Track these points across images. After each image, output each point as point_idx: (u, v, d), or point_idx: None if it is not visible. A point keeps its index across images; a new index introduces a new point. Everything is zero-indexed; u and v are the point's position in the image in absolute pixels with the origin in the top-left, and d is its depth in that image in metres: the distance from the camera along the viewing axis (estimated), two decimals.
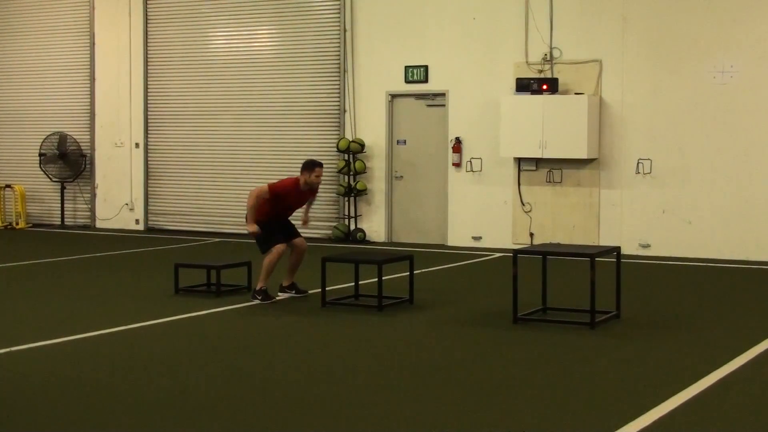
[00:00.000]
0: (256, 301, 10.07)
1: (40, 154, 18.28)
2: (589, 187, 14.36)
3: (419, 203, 15.69)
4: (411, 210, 15.77)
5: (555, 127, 14.08)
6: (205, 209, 17.28)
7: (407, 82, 15.57)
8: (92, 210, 18.41)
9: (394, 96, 15.74)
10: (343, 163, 15.73)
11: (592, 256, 8.75)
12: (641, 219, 14.10)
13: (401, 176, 15.78)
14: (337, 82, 16.08)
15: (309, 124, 16.38)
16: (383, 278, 9.70)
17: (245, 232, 10.43)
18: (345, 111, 15.99)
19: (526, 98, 14.27)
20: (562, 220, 14.55)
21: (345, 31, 15.94)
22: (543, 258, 9.36)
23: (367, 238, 15.81)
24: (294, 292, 10.41)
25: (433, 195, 15.54)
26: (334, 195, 16.04)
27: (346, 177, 15.81)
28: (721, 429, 5.88)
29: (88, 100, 18.31)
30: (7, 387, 6.77)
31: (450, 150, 15.24)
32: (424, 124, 15.60)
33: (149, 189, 17.88)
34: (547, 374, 7.16)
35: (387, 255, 11.53)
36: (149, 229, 17.78)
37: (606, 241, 14.06)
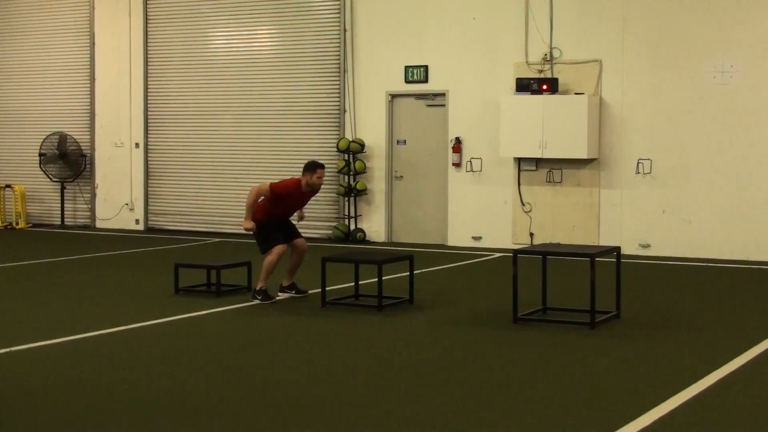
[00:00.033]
0: (256, 301, 10.07)
1: (40, 154, 18.29)
2: (589, 187, 14.36)
3: (419, 203, 15.69)
4: (411, 210, 15.77)
5: (555, 127, 14.08)
6: (205, 209, 17.28)
7: (407, 82, 15.57)
8: (92, 210, 18.41)
9: (394, 96, 15.74)
10: (343, 163, 15.73)
11: (592, 256, 8.75)
12: (641, 219, 14.10)
13: (401, 176, 15.78)
14: (337, 82, 16.08)
15: (309, 124, 16.38)
16: (383, 278, 9.70)
17: (245, 231, 10.42)
18: (345, 111, 15.99)
19: (526, 98, 14.27)
20: (562, 220, 14.55)
21: (345, 31, 15.94)
22: (543, 258, 9.36)
23: (367, 238, 15.81)
24: (294, 292, 10.41)
25: (433, 195, 15.54)
26: (334, 195, 16.04)
27: (346, 177, 15.81)
28: (721, 429, 5.88)
29: (88, 100, 18.32)
30: (7, 387, 6.77)
31: (450, 150, 15.24)
32: (424, 124, 15.60)
33: (149, 189, 17.88)
34: (547, 374, 7.16)
35: (387, 255, 11.53)
36: (149, 229, 17.78)
37: (606, 241, 14.06)
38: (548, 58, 14.53)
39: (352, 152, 15.70)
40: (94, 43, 18.18)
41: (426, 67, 15.41)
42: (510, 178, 14.87)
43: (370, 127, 15.83)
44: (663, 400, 6.32)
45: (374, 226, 15.88)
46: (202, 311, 9.64)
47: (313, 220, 15.66)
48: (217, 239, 16.36)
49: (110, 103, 18.09)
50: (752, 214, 13.50)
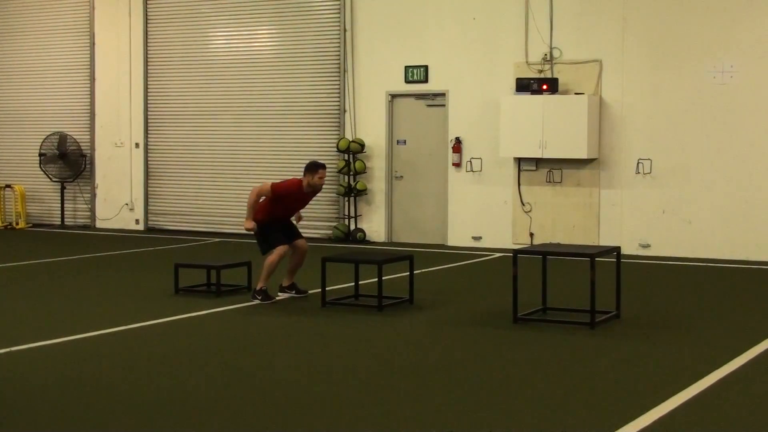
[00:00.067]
0: (256, 301, 10.07)
1: (40, 154, 18.29)
2: (589, 187, 14.36)
3: (419, 203, 15.69)
4: (411, 210, 15.77)
5: (555, 127, 14.08)
6: (205, 209, 17.28)
7: (407, 82, 15.57)
8: (92, 210, 18.41)
9: (394, 96, 15.74)
10: (343, 163, 15.73)
11: (592, 256, 8.75)
12: (641, 219, 14.10)
13: (401, 176, 15.78)
14: (337, 82, 16.08)
15: (309, 124, 16.38)
16: (383, 278, 9.70)
17: (245, 231, 10.42)
18: (345, 111, 15.99)
19: (526, 98, 14.27)
20: (562, 220, 14.55)
21: (345, 31, 15.94)
22: (543, 258, 9.36)
23: (367, 238, 15.81)
24: (294, 292, 10.41)
25: (433, 195, 15.54)
26: (334, 195, 16.04)
27: (346, 177, 15.81)
28: (721, 429, 5.88)
29: (88, 100, 18.32)
30: (7, 387, 6.77)
31: (450, 150, 15.24)
32: (424, 124, 15.60)
33: (149, 189, 17.88)
34: (547, 374, 7.16)
35: (387, 255, 11.53)
36: (149, 229, 17.78)
37: (606, 241, 14.06)
38: (548, 58, 14.53)
39: (352, 152, 15.70)
40: (94, 43, 18.19)
41: (426, 67, 15.42)
42: (510, 178, 14.87)
43: (370, 127, 15.84)
44: (663, 400, 6.32)
45: (374, 226, 15.88)
46: (202, 311, 9.64)
47: (313, 220, 15.67)
48: (217, 239, 16.36)
49: (110, 103, 18.09)
50: (752, 214, 13.50)
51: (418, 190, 15.67)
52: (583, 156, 14.05)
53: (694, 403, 6.33)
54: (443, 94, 15.37)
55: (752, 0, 13.46)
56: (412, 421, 5.99)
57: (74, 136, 18.20)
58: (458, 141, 15.15)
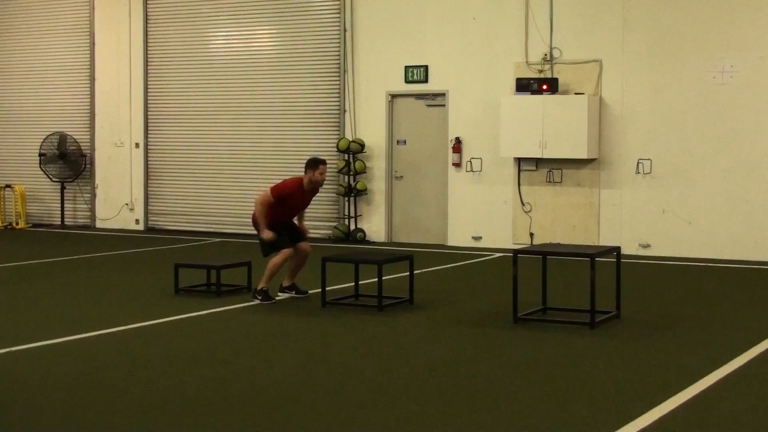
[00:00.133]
0: (256, 301, 10.07)
1: (40, 154, 18.29)
2: (589, 187, 14.36)
3: (419, 203, 15.69)
4: (411, 210, 15.77)
5: (555, 127, 14.08)
6: (205, 209, 17.28)
7: (407, 82, 15.57)
8: (92, 210, 18.41)
9: (394, 96, 15.74)
10: (343, 163, 15.73)
11: (592, 256, 8.75)
12: (641, 219, 14.10)
13: (401, 176, 15.78)
14: (337, 82, 16.08)
15: (309, 124, 16.39)
16: (383, 278, 9.70)
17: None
18: (345, 111, 15.99)
19: (526, 98, 14.28)
20: (562, 220, 14.55)
21: (345, 31, 15.94)
22: (543, 258, 9.36)
23: (367, 238, 15.81)
24: (294, 292, 10.41)
25: (433, 195, 15.54)
26: (334, 195, 16.04)
27: (346, 177, 15.81)
28: (721, 429, 5.88)
29: (88, 100, 18.32)
30: (7, 387, 6.77)
31: (450, 150, 15.24)
32: (424, 124, 15.60)
33: (149, 189, 17.89)
34: (547, 374, 7.16)
35: (387, 255, 11.53)
36: (149, 229, 17.79)
37: (606, 241, 14.06)
38: (548, 58, 14.53)
39: (352, 152, 15.71)
40: (94, 43, 18.19)
41: (426, 67, 15.42)
42: (510, 178, 14.87)
43: (370, 127, 15.84)
44: (663, 400, 6.32)
45: (374, 226, 15.88)
46: (202, 311, 9.64)
47: (313, 220, 15.66)
48: (217, 239, 16.36)
49: (110, 103, 18.09)
50: (752, 214, 13.50)
51: (418, 190, 15.68)
52: (583, 156, 14.05)
53: (694, 403, 6.33)
54: (443, 94, 15.37)
55: (752, 0, 13.46)
56: (412, 421, 5.99)
57: (74, 136, 18.20)
58: (458, 141, 15.15)
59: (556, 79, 14.31)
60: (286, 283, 10.43)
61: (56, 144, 18.08)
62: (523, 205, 14.79)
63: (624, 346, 8.12)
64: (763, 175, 13.44)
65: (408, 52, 15.51)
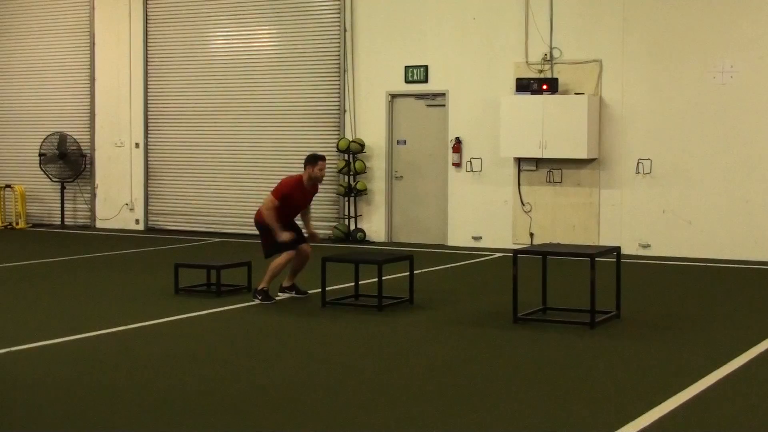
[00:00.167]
0: (256, 301, 10.07)
1: (40, 154, 18.29)
2: (589, 187, 14.36)
3: (419, 203, 15.69)
4: (411, 210, 15.77)
5: (555, 127, 14.08)
6: (205, 209, 17.28)
7: (407, 82, 15.57)
8: (92, 210, 18.42)
9: (394, 96, 15.74)
10: (343, 163, 15.73)
11: (592, 256, 8.75)
12: (641, 219, 14.10)
13: (401, 176, 15.79)
14: (337, 82, 16.08)
15: (309, 124, 16.39)
16: (383, 278, 9.70)
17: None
18: (345, 111, 16.00)
19: (526, 98, 14.27)
20: (562, 220, 14.55)
21: (345, 31, 15.94)
22: (543, 258, 9.36)
23: (367, 238, 15.81)
24: (294, 292, 10.41)
25: (433, 195, 15.54)
26: (334, 195, 16.04)
27: (346, 177, 15.81)
28: (721, 429, 5.88)
29: (88, 100, 18.32)
30: (7, 387, 6.77)
31: (450, 150, 15.24)
32: (424, 124, 15.60)
33: (149, 189, 17.89)
34: (547, 374, 7.16)
35: (387, 255, 11.52)
36: (149, 229, 17.79)
37: (606, 241, 14.06)
38: (548, 58, 14.53)
39: (352, 152, 15.71)
40: (94, 43, 18.19)
41: (426, 67, 15.42)
42: (510, 178, 14.87)
43: (370, 127, 15.84)
44: (663, 400, 6.32)
45: (374, 226, 15.88)
46: (202, 311, 9.64)
47: (314, 220, 15.56)
48: (217, 239, 16.36)
49: (110, 103, 18.09)
50: (752, 214, 13.50)
51: (418, 190, 15.68)
52: (583, 156, 14.05)
53: (694, 403, 6.33)
54: (443, 94, 15.37)
55: (752, 0, 13.46)
56: (412, 421, 5.99)
57: (74, 136, 18.20)
58: (458, 141, 15.15)
59: (556, 79, 14.31)
60: (286, 284, 10.43)
61: (56, 144, 18.08)
62: (523, 205, 14.79)
63: (624, 346, 8.12)
64: (763, 175, 13.44)
65: (408, 52, 15.51)
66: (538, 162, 14.61)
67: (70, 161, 18.17)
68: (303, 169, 10.26)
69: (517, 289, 8.90)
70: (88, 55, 18.25)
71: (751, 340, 8.21)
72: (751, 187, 13.49)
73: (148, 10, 17.68)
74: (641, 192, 14.07)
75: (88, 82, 18.27)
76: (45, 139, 18.22)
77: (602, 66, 14.23)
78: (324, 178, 10.44)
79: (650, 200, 14.03)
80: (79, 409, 6.27)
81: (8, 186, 18.71)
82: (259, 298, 10.08)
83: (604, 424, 5.87)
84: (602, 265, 9.15)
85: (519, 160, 14.73)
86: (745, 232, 13.53)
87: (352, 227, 15.88)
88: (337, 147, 15.79)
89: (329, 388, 6.79)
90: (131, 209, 17.99)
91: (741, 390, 6.79)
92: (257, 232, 10.47)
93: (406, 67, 15.53)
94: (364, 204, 15.96)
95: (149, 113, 17.79)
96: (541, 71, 14.56)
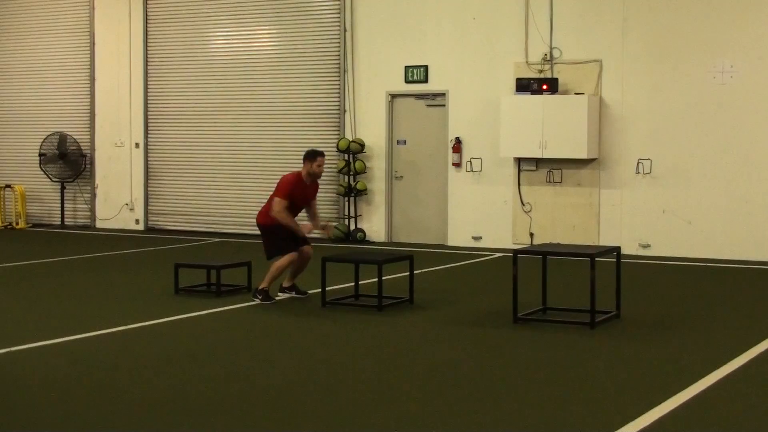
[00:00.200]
0: (257, 301, 10.07)
1: (40, 154, 18.28)
2: (589, 187, 14.36)
3: (419, 203, 15.69)
4: (411, 210, 15.77)
5: (555, 127, 14.08)
6: (205, 209, 17.28)
7: (407, 82, 15.57)
8: (92, 210, 18.41)
9: (394, 96, 15.74)
10: (343, 163, 15.73)
11: (592, 256, 8.75)
12: (641, 219, 14.10)
13: (401, 176, 15.79)
14: (337, 82, 16.08)
15: (309, 124, 16.38)
16: (383, 278, 9.70)
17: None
18: (345, 111, 15.99)
19: (526, 98, 14.27)
20: (562, 220, 14.55)
21: (345, 31, 15.94)
22: (543, 258, 9.36)
23: (367, 238, 15.81)
24: (294, 292, 10.41)
25: (433, 195, 15.54)
26: (334, 195, 16.04)
27: (346, 177, 15.81)
28: (721, 429, 5.88)
29: (88, 100, 18.32)
30: (7, 387, 6.77)
31: (450, 150, 15.24)
32: (424, 124, 15.60)
33: (149, 189, 17.89)
34: (547, 374, 7.16)
35: (387, 255, 11.52)
36: (149, 229, 17.78)
37: (606, 241, 14.06)
38: (548, 58, 14.53)
39: (352, 152, 15.71)
40: (94, 43, 18.19)
41: (426, 67, 15.42)
42: (510, 178, 14.87)
43: (370, 127, 15.84)
44: (663, 400, 6.32)
45: (374, 226, 15.88)
46: (202, 311, 9.64)
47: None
48: (217, 239, 16.36)
49: (110, 103, 18.09)
50: (752, 214, 13.50)
51: (418, 190, 15.67)
52: (583, 156, 14.05)
53: (694, 403, 6.33)
54: (443, 94, 15.37)
55: (752, 0, 13.46)
56: (412, 421, 5.99)
57: (74, 136, 18.20)
58: (458, 141, 15.15)
59: (556, 79, 14.31)
60: (286, 284, 10.43)
61: (56, 144, 18.08)
62: (523, 205, 14.79)
63: (624, 346, 8.12)
64: (763, 175, 13.44)
65: (408, 52, 15.51)
66: (538, 162, 14.61)
67: (70, 161, 18.17)
68: (302, 166, 10.28)
69: (517, 289, 8.90)
70: (88, 55, 18.25)
71: (751, 340, 8.21)
72: (751, 187, 13.50)
73: (148, 10, 17.67)
74: (641, 192, 14.07)
75: (88, 82, 18.27)
76: (45, 139, 18.21)
77: (602, 66, 14.23)
78: (324, 177, 10.46)
79: (650, 200, 14.03)
80: (79, 409, 6.27)
81: (8, 186, 18.71)
82: (259, 298, 10.08)
83: (604, 424, 5.87)
84: (602, 265, 9.15)
85: (519, 160, 14.73)
86: (745, 232, 13.53)
87: (352, 227, 15.88)
88: (337, 147, 15.79)
89: (329, 388, 6.79)
90: (131, 209, 17.99)
91: (741, 390, 6.79)
92: (257, 232, 10.47)
93: (406, 67, 15.53)
94: (364, 204, 15.96)
95: (149, 113, 17.79)
96: (541, 71, 14.56)
